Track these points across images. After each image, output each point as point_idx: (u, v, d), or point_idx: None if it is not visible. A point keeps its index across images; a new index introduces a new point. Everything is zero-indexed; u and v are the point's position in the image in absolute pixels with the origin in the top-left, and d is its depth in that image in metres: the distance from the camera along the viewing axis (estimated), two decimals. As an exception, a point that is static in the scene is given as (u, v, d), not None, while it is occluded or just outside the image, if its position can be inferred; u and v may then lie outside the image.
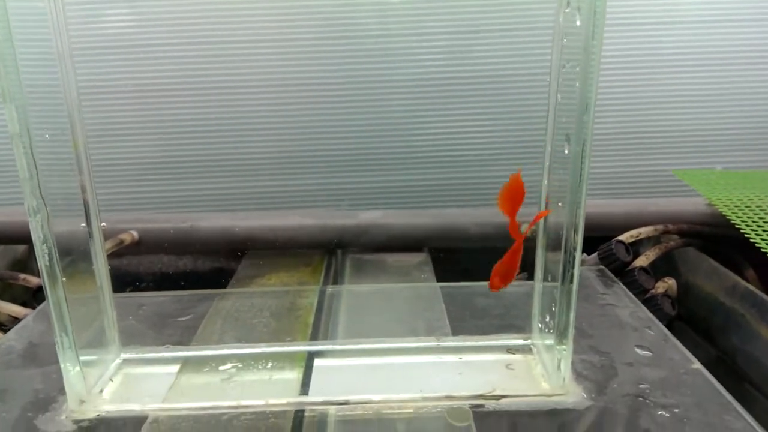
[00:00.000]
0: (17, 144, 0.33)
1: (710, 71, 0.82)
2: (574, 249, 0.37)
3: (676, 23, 0.80)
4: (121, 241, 0.62)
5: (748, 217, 0.65)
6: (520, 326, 0.47)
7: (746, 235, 0.61)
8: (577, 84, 0.35)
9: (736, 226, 0.63)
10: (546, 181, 0.41)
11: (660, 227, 0.69)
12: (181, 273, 0.72)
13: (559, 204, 0.39)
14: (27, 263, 0.74)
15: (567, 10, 0.37)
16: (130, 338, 0.45)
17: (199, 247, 0.67)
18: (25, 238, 0.70)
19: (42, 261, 0.35)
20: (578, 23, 0.35)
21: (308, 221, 0.67)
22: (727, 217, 0.66)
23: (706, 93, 0.83)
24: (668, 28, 0.80)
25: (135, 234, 0.64)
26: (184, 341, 0.46)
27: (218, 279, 0.70)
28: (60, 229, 0.36)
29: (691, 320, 0.66)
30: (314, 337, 0.48)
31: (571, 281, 0.38)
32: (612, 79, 0.79)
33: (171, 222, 0.66)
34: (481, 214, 0.69)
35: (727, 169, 0.87)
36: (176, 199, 0.79)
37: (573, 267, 0.37)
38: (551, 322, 0.41)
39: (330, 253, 0.68)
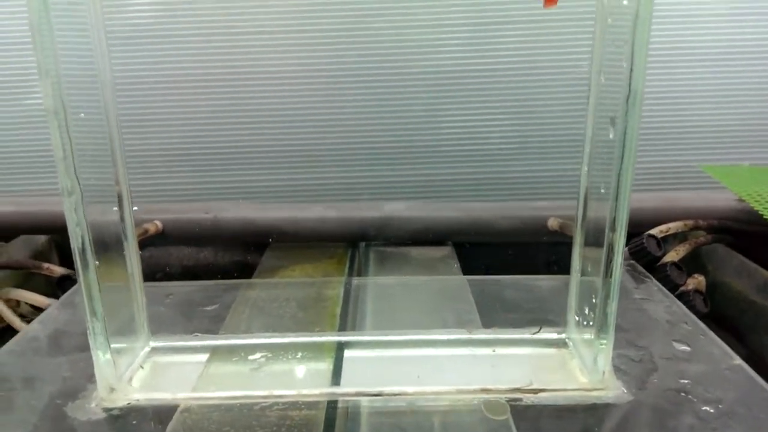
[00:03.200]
0: (52, 120, 0.32)
1: (736, 66, 0.80)
2: (616, 239, 0.35)
3: (703, 17, 0.79)
4: (146, 231, 0.61)
5: (777, 211, 0.64)
6: (553, 320, 0.46)
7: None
8: (624, 64, 0.34)
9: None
10: (586, 168, 0.40)
11: (690, 222, 0.68)
12: (203, 264, 0.72)
13: (602, 190, 0.38)
14: (48, 254, 0.74)
15: (613, -11, 0.36)
16: (158, 326, 0.44)
17: (222, 238, 0.66)
18: (46, 229, 0.70)
19: (75, 243, 0.34)
20: (625, 2, 0.34)
21: (331, 213, 0.66)
22: (759, 213, 0.64)
23: (732, 88, 0.81)
24: (695, 21, 0.79)
25: (159, 224, 0.63)
26: (212, 330, 0.46)
27: (242, 269, 0.70)
28: (92, 214, 0.35)
29: (719, 318, 0.65)
30: (342, 329, 0.47)
31: (611, 275, 0.37)
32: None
33: (194, 212, 0.65)
34: (507, 207, 0.68)
35: (754, 164, 0.85)
36: (196, 191, 0.79)
37: (615, 257, 0.35)
38: (590, 314, 0.40)
39: (353, 246, 0.67)
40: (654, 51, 0.78)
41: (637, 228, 0.68)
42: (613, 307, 0.38)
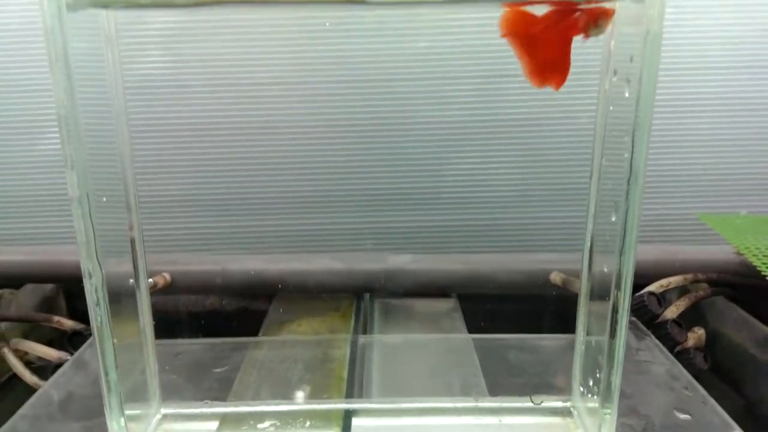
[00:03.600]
0: (76, 208, 0.33)
1: (734, 116, 0.82)
2: (619, 312, 0.37)
3: (702, 69, 0.81)
4: (155, 284, 0.62)
5: (776, 267, 0.65)
6: (558, 385, 0.47)
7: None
8: (626, 155, 0.35)
9: (765, 275, 0.63)
10: (589, 244, 0.41)
11: (690, 276, 0.69)
12: (209, 309, 0.73)
13: (605, 269, 0.39)
14: (56, 300, 0.75)
15: (614, 79, 0.37)
16: (169, 392, 0.45)
17: (230, 291, 0.67)
18: (54, 278, 0.71)
19: (95, 323, 0.35)
20: (627, 95, 0.35)
21: (337, 265, 0.67)
22: (757, 267, 0.66)
23: (730, 137, 0.83)
24: (694, 73, 0.81)
25: (167, 276, 0.64)
26: (221, 395, 0.46)
27: (249, 321, 0.71)
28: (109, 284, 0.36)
29: (719, 370, 0.66)
30: (349, 392, 0.48)
31: (613, 360, 0.37)
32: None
33: (203, 264, 0.66)
34: (510, 260, 0.69)
35: (751, 213, 0.86)
36: (203, 237, 0.80)
37: (617, 335, 0.36)
38: (593, 385, 0.41)
39: (359, 297, 0.68)
40: (656, 100, 0.80)
41: (638, 280, 0.69)
42: (617, 377, 0.39)
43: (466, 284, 0.68)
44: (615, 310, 0.38)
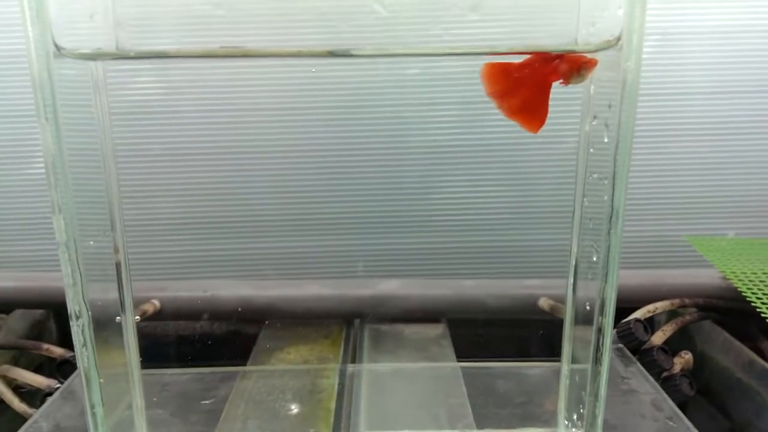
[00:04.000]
0: (63, 252, 0.34)
1: (724, 140, 0.83)
2: (600, 357, 0.37)
3: (687, 94, 0.82)
4: (144, 312, 0.63)
5: (758, 289, 0.66)
6: (545, 417, 0.47)
7: (759, 310, 0.61)
8: (605, 197, 0.36)
9: (750, 301, 0.64)
10: (572, 280, 0.42)
11: (676, 301, 0.70)
12: (199, 333, 0.73)
13: (587, 307, 0.40)
14: (46, 324, 0.75)
15: (594, 122, 0.38)
16: (156, 425, 0.45)
17: (219, 317, 0.68)
18: (44, 304, 0.71)
19: (81, 364, 0.35)
20: (606, 140, 0.36)
21: (327, 291, 0.68)
22: (741, 292, 0.66)
23: (718, 161, 0.84)
24: (682, 98, 0.82)
25: (157, 303, 0.64)
26: (208, 429, 0.46)
27: (240, 346, 0.71)
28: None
29: (706, 393, 0.66)
30: (336, 425, 0.48)
31: (596, 395, 0.38)
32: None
33: (192, 290, 0.67)
34: (498, 286, 0.70)
35: (739, 235, 0.87)
36: (191, 261, 0.80)
37: (598, 378, 0.37)
38: (577, 419, 0.42)
39: (348, 323, 0.68)
40: (643, 124, 0.82)
41: (624, 304, 0.70)
42: (600, 410, 0.39)
43: (456, 310, 0.69)
44: (598, 340, 0.38)
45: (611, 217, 0.36)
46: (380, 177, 0.79)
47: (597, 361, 0.37)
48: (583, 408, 0.41)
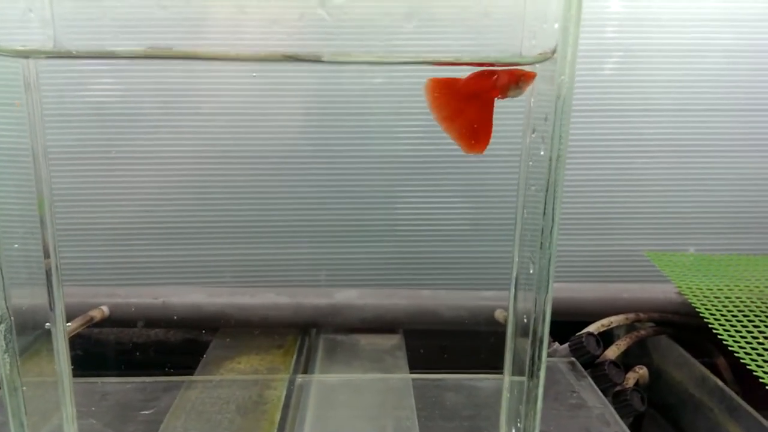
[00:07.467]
0: (-17, 256, 0.33)
1: (688, 157, 0.85)
2: (536, 371, 0.37)
3: (650, 111, 0.83)
4: (92, 318, 0.61)
5: (712, 305, 0.67)
6: (491, 429, 0.47)
7: (711, 326, 0.62)
8: (540, 209, 0.36)
9: (703, 317, 0.64)
10: (513, 294, 0.42)
11: (632, 316, 0.70)
12: (153, 340, 0.71)
13: (524, 320, 0.40)
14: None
15: (533, 135, 0.38)
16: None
17: (171, 324, 0.66)
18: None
19: (3, 371, 0.34)
20: (542, 153, 0.36)
21: (282, 300, 0.67)
22: (696, 308, 0.67)
23: (681, 178, 0.86)
24: (642, 115, 0.83)
25: (105, 309, 0.63)
26: (146, 437, 0.45)
27: (189, 355, 0.70)
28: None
29: (661, 408, 0.67)
30: (279, 436, 0.47)
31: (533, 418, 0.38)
32: (588, 161, 0.82)
33: (142, 296, 0.65)
34: (455, 297, 0.70)
35: (699, 252, 0.89)
36: (146, 267, 0.79)
37: (535, 392, 0.37)
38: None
39: (304, 332, 0.67)
40: (607, 140, 0.83)
41: (581, 317, 0.70)
42: (536, 424, 0.39)
43: (412, 320, 0.69)
44: (533, 353, 0.38)
45: (543, 230, 0.36)
46: (341, 185, 0.79)
47: (532, 374, 0.37)
48: (521, 421, 0.40)
